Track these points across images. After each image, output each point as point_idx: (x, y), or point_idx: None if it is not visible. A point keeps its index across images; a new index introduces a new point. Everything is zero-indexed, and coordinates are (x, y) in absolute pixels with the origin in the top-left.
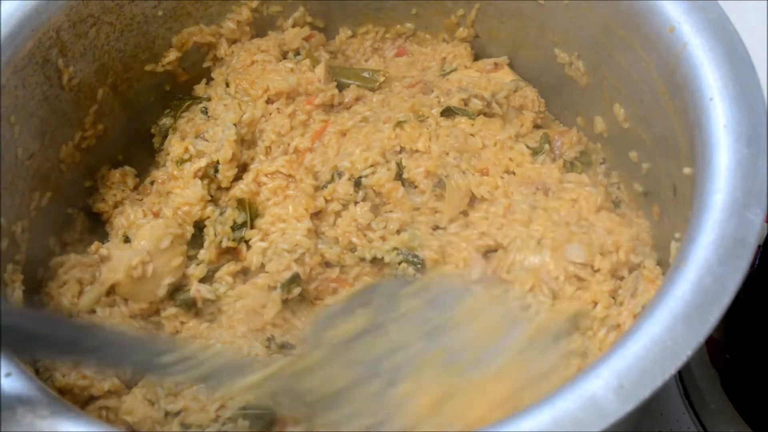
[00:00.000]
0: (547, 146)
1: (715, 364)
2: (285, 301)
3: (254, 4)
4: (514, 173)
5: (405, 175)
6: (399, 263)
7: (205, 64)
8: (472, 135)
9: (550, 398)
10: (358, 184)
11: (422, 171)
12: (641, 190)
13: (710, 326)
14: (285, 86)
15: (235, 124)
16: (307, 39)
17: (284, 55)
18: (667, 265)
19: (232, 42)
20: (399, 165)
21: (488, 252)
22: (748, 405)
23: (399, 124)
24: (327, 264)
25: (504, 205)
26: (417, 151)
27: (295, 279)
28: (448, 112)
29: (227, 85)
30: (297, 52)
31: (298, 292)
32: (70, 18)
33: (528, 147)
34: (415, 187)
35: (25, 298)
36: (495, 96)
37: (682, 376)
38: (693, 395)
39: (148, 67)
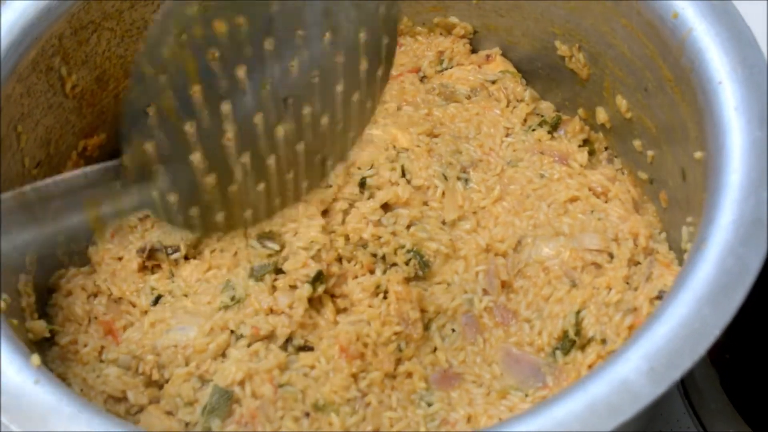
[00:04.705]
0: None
1: (715, 364)
2: (310, 300)
3: None
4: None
5: (408, 176)
6: (408, 261)
7: None
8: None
9: (582, 383)
10: (362, 184)
11: (422, 173)
12: (646, 177)
13: (736, 306)
14: None
15: None
16: None
17: None
18: (678, 250)
19: None
20: (402, 167)
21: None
22: (748, 405)
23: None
24: (341, 260)
25: (516, 196)
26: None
27: (319, 276)
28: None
29: None
30: None
31: (322, 290)
32: (71, 25)
33: (541, 126)
34: (418, 188)
35: (37, 309)
36: (475, 90)
37: (683, 377)
38: (693, 395)
39: None
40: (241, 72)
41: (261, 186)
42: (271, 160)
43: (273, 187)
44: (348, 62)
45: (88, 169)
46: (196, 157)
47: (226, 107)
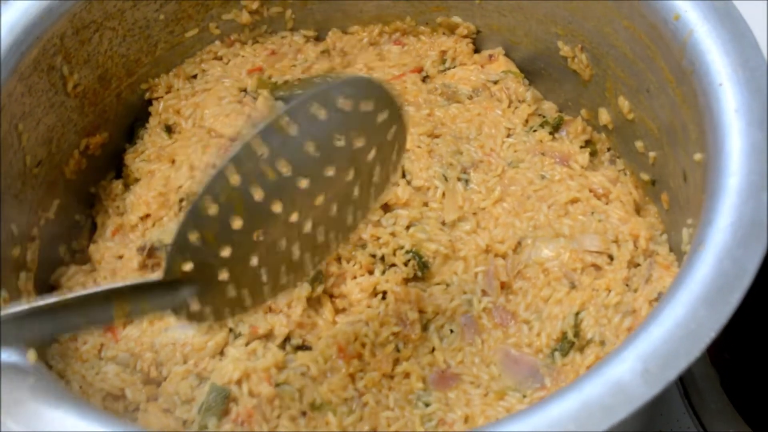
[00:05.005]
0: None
1: (715, 364)
2: (308, 300)
3: (254, 6)
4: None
5: (408, 177)
6: (407, 261)
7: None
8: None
9: (576, 384)
10: None
11: (423, 174)
12: (648, 178)
13: (732, 308)
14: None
15: None
16: (250, 72)
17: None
18: (678, 252)
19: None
20: (402, 167)
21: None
22: (748, 405)
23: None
24: (340, 260)
25: (516, 197)
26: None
27: (318, 276)
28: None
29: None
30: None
31: (321, 290)
32: (73, 24)
33: (542, 126)
34: (418, 188)
35: None
36: (477, 90)
37: (682, 376)
38: (693, 395)
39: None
40: (277, 207)
41: (267, 287)
42: (282, 269)
43: (274, 285)
44: (361, 195)
45: (129, 282)
46: (224, 275)
47: (257, 236)
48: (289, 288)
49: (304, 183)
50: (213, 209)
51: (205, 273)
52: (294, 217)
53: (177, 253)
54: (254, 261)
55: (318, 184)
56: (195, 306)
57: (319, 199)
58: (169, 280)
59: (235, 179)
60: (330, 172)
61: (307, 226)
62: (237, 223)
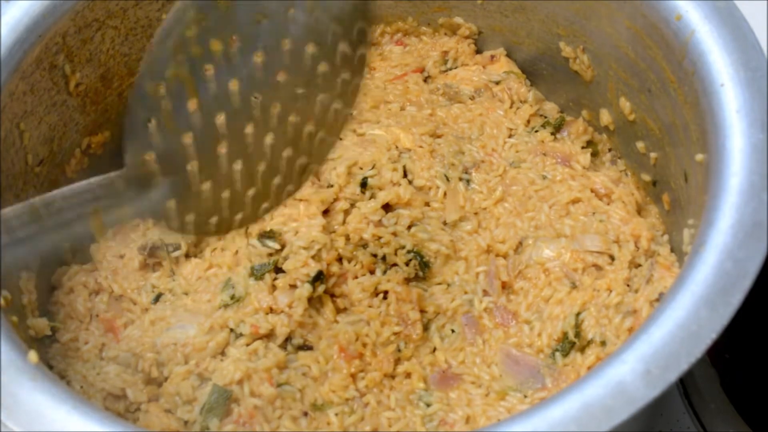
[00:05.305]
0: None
1: (715, 364)
2: (310, 300)
3: None
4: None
5: (409, 176)
6: (408, 261)
7: None
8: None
9: (577, 385)
10: (364, 184)
11: (424, 174)
12: (649, 179)
13: (733, 309)
14: None
15: None
16: None
17: None
18: (679, 253)
19: None
20: (404, 167)
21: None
22: (748, 405)
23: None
24: (341, 260)
25: (518, 197)
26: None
27: (319, 276)
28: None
29: None
30: None
31: (322, 290)
32: (75, 23)
33: (544, 127)
34: (420, 188)
35: (39, 306)
36: (479, 90)
37: (682, 377)
38: (693, 395)
39: None
40: (233, 85)
41: (251, 191)
42: (261, 167)
43: (261, 192)
44: (329, 73)
45: (93, 180)
46: (194, 166)
47: (220, 119)
48: (275, 198)
49: (258, 56)
50: (160, 89)
51: (172, 166)
52: (257, 99)
53: (134, 139)
54: (222, 149)
55: (275, 59)
56: (173, 211)
57: (280, 77)
58: (137, 177)
59: (179, 56)
60: (286, 43)
61: (274, 113)
62: (192, 104)
